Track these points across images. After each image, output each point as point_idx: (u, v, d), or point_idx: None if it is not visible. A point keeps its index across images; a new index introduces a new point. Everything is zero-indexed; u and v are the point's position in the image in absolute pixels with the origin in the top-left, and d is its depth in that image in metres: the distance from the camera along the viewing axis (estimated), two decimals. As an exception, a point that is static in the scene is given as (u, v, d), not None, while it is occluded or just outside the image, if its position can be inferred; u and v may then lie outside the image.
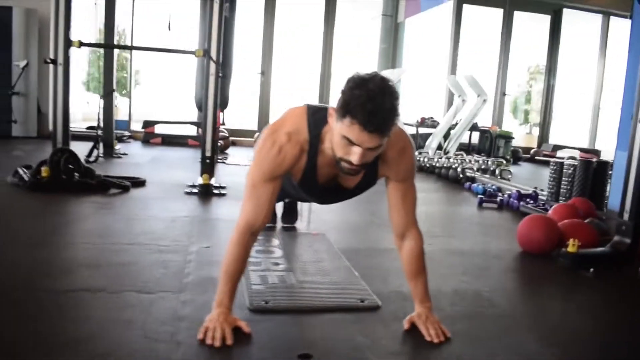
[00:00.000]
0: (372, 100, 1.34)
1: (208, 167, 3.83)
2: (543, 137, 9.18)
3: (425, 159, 6.13)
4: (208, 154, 3.86)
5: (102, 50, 6.18)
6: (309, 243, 2.62)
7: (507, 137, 8.03)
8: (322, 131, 1.57)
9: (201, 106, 4.70)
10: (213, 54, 3.67)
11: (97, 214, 2.86)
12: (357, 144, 1.39)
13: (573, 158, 7.69)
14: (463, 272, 2.38)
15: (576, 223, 2.88)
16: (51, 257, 2.12)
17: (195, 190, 3.66)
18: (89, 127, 5.95)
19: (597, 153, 8.63)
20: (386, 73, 6.54)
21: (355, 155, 1.42)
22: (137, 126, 7.27)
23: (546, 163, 8.26)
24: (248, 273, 2.07)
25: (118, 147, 5.39)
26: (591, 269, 2.46)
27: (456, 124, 7.25)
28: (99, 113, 4.59)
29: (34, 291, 1.76)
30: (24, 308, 1.63)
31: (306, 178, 1.64)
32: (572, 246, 2.54)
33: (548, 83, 9.11)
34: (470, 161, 5.98)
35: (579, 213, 3.20)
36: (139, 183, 3.73)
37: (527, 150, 8.96)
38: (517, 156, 8.27)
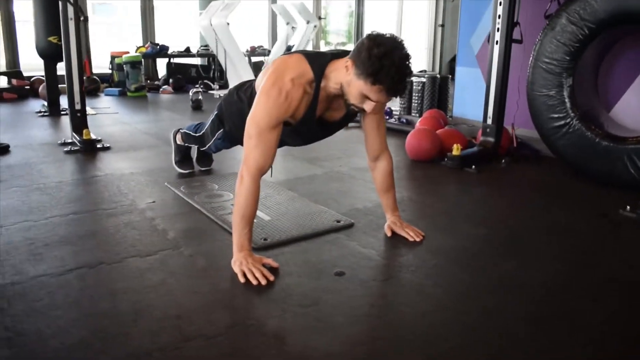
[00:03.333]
0: (398, 72, 1.54)
1: (81, 121, 3.50)
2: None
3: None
4: (78, 107, 3.51)
5: None
6: (244, 182, 2.72)
7: (332, 60, 8.61)
8: (324, 73, 1.71)
9: (45, 54, 4.14)
10: (69, -7, 3.24)
11: (-7, 189, 2.50)
12: (375, 102, 1.61)
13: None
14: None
15: (449, 131, 3.48)
16: (3, 244, 1.88)
17: (75, 147, 3.34)
18: None
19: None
20: (217, 4, 6.40)
21: (369, 107, 1.64)
22: None
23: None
24: (225, 219, 2.15)
25: None
26: (473, 166, 3.08)
27: (288, 49, 7.51)
28: None
29: (31, 279, 1.62)
30: (39, 299, 1.51)
31: (307, 115, 1.77)
32: (456, 150, 3.12)
33: (358, 4, 9.83)
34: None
35: (440, 122, 3.84)
36: (3, 149, 3.24)
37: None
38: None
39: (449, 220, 2.28)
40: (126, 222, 2.13)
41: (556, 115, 2.91)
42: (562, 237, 2.11)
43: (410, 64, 1.59)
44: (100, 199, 2.42)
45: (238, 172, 1.73)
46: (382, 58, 1.52)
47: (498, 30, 3.10)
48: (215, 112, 2.32)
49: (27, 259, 1.76)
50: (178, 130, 2.87)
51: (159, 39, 7.34)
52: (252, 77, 6.73)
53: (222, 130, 2.30)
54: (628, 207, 2.39)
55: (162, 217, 2.20)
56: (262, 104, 1.68)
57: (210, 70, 7.50)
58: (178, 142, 2.85)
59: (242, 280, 1.63)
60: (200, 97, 5.34)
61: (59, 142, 3.52)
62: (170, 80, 6.85)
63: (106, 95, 6.28)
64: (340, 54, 1.75)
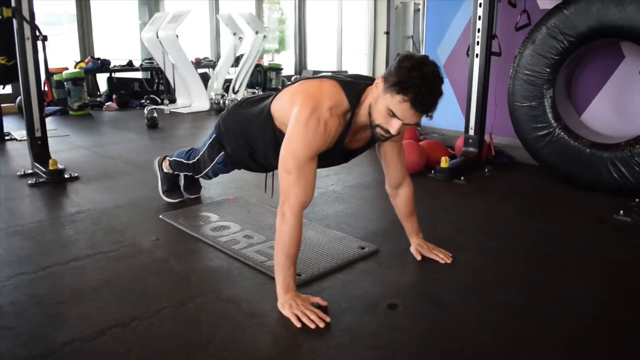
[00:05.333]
0: (426, 85, 1.49)
1: (43, 150, 3.21)
2: (301, 64, 9.98)
3: (227, 102, 6.14)
4: (38, 134, 3.21)
5: None
6: (243, 208, 2.60)
7: (277, 69, 8.52)
8: (360, 101, 1.66)
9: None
10: (25, 12, 2.96)
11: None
12: (400, 119, 1.54)
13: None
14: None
15: (430, 143, 3.53)
16: (6, 305, 1.66)
17: (41, 179, 3.04)
18: None
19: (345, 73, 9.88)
20: (162, 15, 6.13)
21: (394, 127, 1.58)
22: None
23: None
24: (246, 254, 2.03)
25: None
26: (462, 177, 3.13)
27: (237, 60, 7.30)
28: None
29: (61, 348, 1.43)
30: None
31: (335, 145, 1.69)
32: (444, 162, 3.16)
33: (299, 11, 9.80)
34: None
35: (417, 133, 3.88)
36: (-45, 186, 2.90)
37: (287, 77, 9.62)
38: (285, 85, 8.87)
39: (462, 236, 2.29)
40: (138, 266, 1.96)
41: (539, 125, 3.02)
42: (574, 246, 2.18)
43: (441, 81, 1.55)
44: (95, 239, 2.21)
45: (278, 209, 1.63)
46: (411, 69, 1.49)
47: (478, 44, 3.18)
48: (214, 135, 2.18)
49: (44, 323, 1.56)
50: (164, 158, 2.69)
51: (97, 53, 6.92)
52: (203, 90, 6.50)
53: (222, 153, 2.17)
54: (622, 211, 2.52)
55: (176, 258, 2.04)
56: (301, 136, 1.60)
57: (154, 84, 7.16)
58: (165, 171, 2.67)
59: (298, 325, 1.53)
60: (155, 114, 5.09)
61: (19, 173, 3.19)
62: (114, 96, 6.46)
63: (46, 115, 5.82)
64: (370, 82, 1.71)
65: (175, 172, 2.64)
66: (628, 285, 1.83)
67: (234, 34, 7.10)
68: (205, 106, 6.33)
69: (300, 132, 1.60)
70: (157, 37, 5.93)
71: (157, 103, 6.48)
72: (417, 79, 1.48)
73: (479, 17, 3.14)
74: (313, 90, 1.67)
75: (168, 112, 6.06)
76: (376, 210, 2.65)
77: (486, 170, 3.33)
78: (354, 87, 1.67)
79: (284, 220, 1.61)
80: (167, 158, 2.66)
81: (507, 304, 1.68)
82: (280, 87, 8.48)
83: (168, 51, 5.96)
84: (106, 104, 6.36)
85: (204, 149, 2.27)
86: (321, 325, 1.52)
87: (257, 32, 6.83)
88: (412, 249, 2.06)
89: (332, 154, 1.72)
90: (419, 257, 2.02)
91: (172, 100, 6.57)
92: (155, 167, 2.72)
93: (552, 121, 2.97)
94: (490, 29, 3.14)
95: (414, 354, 1.40)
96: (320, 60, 10.38)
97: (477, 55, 3.20)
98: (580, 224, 2.46)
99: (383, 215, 2.55)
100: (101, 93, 6.83)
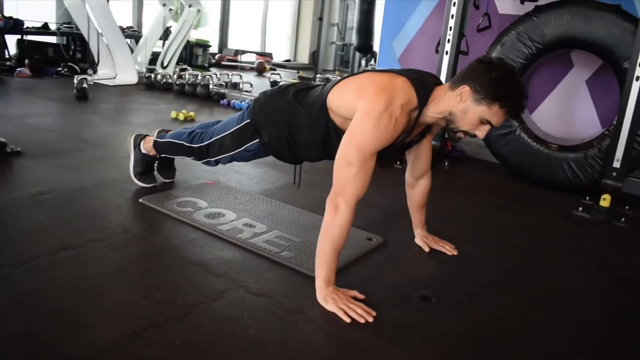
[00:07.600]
0: (521, 93, 1.58)
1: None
2: (223, 43, 9.63)
3: (159, 77, 5.76)
4: (-29, 101, 2.78)
5: None
6: (229, 194, 2.47)
7: (205, 46, 8.15)
8: (428, 101, 1.66)
9: None
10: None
11: None
12: (494, 125, 1.61)
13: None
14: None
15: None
16: None
17: (-24, 154, 2.65)
18: None
19: (270, 55, 9.73)
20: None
21: (483, 131, 1.64)
22: None
23: (233, 67, 8.89)
24: (257, 245, 1.93)
25: None
26: (429, 170, 3.23)
27: (166, 32, 6.87)
28: None
29: (100, 354, 1.26)
30: None
31: (397, 141, 1.67)
32: (413, 154, 3.24)
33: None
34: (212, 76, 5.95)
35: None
36: None
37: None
38: (210, 63, 8.54)
39: (456, 229, 2.35)
40: (141, 256, 1.79)
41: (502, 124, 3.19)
42: (557, 241, 2.35)
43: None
44: (76, 226, 1.96)
45: (328, 200, 1.59)
46: (505, 81, 1.55)
47: (449, 42, 3.27)
48: (247, 120, 2.00)
49: (60, 324, 1.36)
50: (144, 137, 2.45)
51: (6, 11, 6.13)
52: (131, 62, 6.03)
53: (257, 140, 1.99)
54: (580, 208, 2.76)
55: (179, 247, 1.89)
56: (371, 130, 1.56)
57: (71, 51, 6.51)
58: (144, 152, 2.43)
59: (347, 320, 1.49)
60: (85, 85, 4.64)
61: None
62: (26, 61, 5.77)
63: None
64: (436, 81, 1.72)
65: (162, 155, 2.41)
66: (619, 277, 2.02)
67: (164, 4, 6.67)
68: (133, 79, 5.93)
69: (371, 124, 1.56)
70: (83, 0, 5.41)
71: (76, 72, 5.90)
72: (514, 90, 1.56)
73: (452, 15, 3.23)
74: (386, 84, 1.62)
75: (92, 83, 5.57)
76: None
77: (446, 163, 3.47)
78: (423, 86, 1.66)
79: (337, 212, 1.56)
80: (151, 137, 2.42)
81: (532, 297, 1.77)
82: (206, 65, 8.17)
83: (95, 17, 5.46)
84: (18, 69, 5.66)
85: (225, 133, 2.06)
86: (370, 319, 1.50)
87: (190, 6, 6.49)
88: (418, 241, 2.10)
89: (391, 150, 1.69)
90: (427, 249, 2.06)
91: (94, 71, 6.05)
92: (129, 145, 2.47)
93: (514, 122, 3.16)
94: (461, 27, 3.25)
95: (474, 347, 1.43)
96: (242, 40, 10.11)
97: (446, 52, 3.30)
98: (550, 219, 2.66)
99: (370, 205, 2.56)
100: (11, 57, 6.07)
